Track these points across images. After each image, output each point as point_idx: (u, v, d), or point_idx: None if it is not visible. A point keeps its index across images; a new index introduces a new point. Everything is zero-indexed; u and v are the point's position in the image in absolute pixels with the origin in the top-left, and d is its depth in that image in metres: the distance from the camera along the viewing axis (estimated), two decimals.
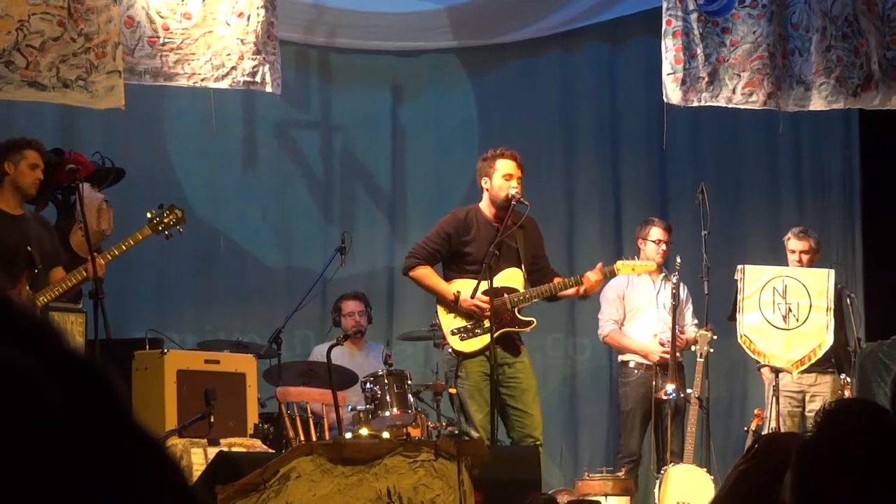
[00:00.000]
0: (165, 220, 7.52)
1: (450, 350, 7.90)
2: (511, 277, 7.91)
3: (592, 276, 7.94)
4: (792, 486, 2.15)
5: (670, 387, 8.65)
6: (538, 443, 7.77)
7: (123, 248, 7.32)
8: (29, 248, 7.13)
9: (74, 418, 0.94)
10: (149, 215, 7.51)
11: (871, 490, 2.08)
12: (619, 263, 8.23)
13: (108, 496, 0.94)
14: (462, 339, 7.84)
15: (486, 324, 7.73)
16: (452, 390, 7.86)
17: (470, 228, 7.92)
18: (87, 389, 0.96)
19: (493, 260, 7.71)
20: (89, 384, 0.97)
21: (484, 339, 7.77)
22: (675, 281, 8.80)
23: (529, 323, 7.94)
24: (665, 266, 9.34)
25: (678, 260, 8.86)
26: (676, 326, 8.84)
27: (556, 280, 7.97)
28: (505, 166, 7.91)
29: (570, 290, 7.97)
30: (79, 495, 0.93)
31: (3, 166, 7.23)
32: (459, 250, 7.91)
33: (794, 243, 9.11)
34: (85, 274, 7.13)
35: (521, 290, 7.90)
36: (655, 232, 9.01)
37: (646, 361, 8.98)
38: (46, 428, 0.92)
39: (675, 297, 8.81)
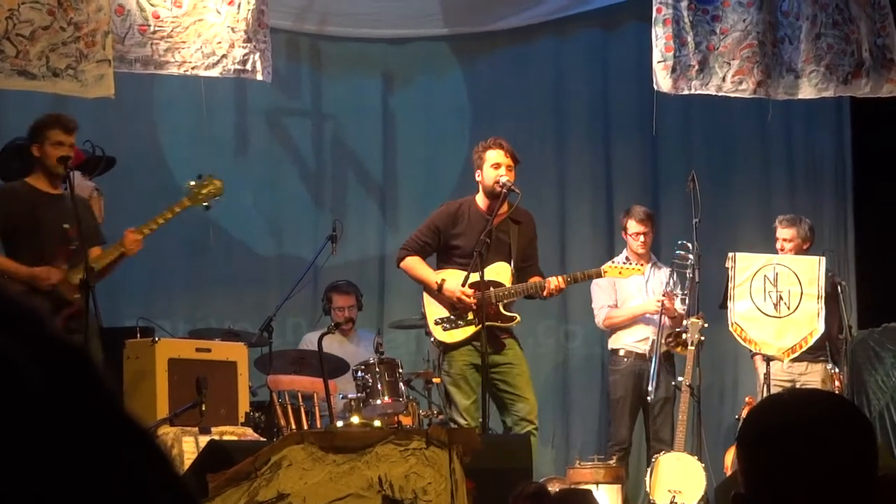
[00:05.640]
0: (205, 192, 7.50)
1: (433, 339, 7.92)
2: (499, 271, 7.90)
3: (553, 281, 7.90)
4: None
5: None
6: (534, 427, 7.78)
7: (161, 221, 7.32)
8: (65, 226, 7.13)
9: (58, 404, 0.93)
10: (189, 185, 7.49)
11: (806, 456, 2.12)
12: (606, 266, 8.27)
13: (94, 486, 0.94)
14: (445, 329, 7.86)
15: (470, 316, 7.74)
16: (437, 380, 7.89)
17: (459, 222, 7.92)
18: (73, 376, 0.96)
19: (483, 248, 7.70)
20: (74, 371, 0.96)
21: (466, 331, 7.81)
22: (690, 263, 8.77)
23: (512, 319, 7.93)
24: (656, 252, 9.36)
25: (694, 243, 8.79)
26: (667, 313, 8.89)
27: (531, 280, 7.95)
28: (493, 156, 7.91)
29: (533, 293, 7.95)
30: (63, 485, 0.92)
31: (32, 150, 7.24)
32: (448, 243, 7.93)
33: (780, 231, 9.13)
34: (122, 249, 7.15)
35: (508, 284, 7.89)
36: (632, 225, 9.07)
37: (636, 350, 8.99)
38: (27, 413, 0.91)
39: (690, 279, 8.81)
